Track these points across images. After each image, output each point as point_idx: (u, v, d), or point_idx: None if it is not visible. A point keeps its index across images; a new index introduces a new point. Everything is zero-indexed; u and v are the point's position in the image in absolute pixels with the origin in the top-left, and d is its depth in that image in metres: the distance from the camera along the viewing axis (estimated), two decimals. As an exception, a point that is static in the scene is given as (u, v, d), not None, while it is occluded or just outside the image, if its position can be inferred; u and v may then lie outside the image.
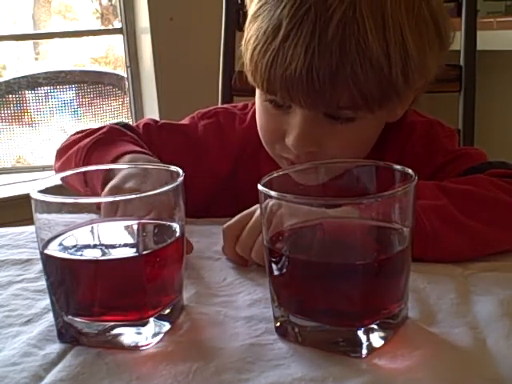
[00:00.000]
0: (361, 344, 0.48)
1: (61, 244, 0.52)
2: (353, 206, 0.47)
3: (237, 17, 1.20)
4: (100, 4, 2.81)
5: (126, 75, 2.63)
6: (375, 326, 0.48)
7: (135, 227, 0.54)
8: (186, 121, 0.95)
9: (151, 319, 0.51)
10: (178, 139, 0.91)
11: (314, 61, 0.69)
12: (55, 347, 0.51)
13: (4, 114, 2.57)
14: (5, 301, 0.60)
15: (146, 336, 0.50)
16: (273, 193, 0.48)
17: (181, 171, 0.54)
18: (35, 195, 0.50)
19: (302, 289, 0.50)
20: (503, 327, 0.51)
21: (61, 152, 0.91)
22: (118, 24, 2.61)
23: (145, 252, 0.52)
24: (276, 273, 0.50)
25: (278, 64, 0.71)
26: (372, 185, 0.54)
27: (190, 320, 0.55)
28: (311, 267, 0.49)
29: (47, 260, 0.51)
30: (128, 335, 0.50)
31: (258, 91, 0.82)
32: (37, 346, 0.51)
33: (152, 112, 2.53)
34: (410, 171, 0.51)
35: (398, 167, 0.52)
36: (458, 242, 0.65)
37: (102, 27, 2.81)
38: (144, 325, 0.50)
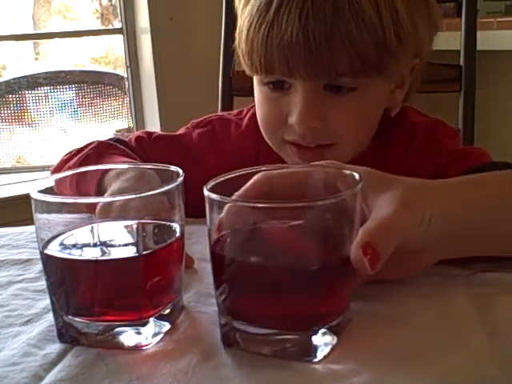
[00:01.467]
0: (316, 348, 0.47)
1: (61, 244, 0.52)
2: (300, 209, 0.46)
3: (237, 17, 1.21)
4: (100, 4, 2.81)
5: (126, 75, 2.63)
6: (326, 330, 0.48)
7: (135, 227, 0.54)
8: (181, 131, 0.95)
9: (151, 319, 0.51)
10: (173, 150, 0.91)
11: (308, 23, 0.70)
12: (55, 347, 0.51)
13: (4, 114, 2.57)
14: (5, 301, 0.60)
15: (146, 336, 0.50)
16: (215, 196, 0.47)
17: (181, 171, 0.54)
18: (35, 195, 0.50)
19: (250, 295, 0.49)
20: (504, 327, 0.51)
21: (52, 174, 0.89)
22: (118, 24, 2.61)
23: (145, 252, 0.52)
24: (221, 278, 0.49)
25: (274, 34, 0.72)
26: (320, 189, 0.53)
27: (190, 319, 0.55)
28: (258, 272, 0.48)
29: (47, 260, 0.51)
30: (128, 335, 0.50)
31: (255, 82, 0.83)
32: (37, 346, 0.51)
33: (152, 112, 2.53)
34: (356, 175, 0.50)
35: (347, 172, 0.51)
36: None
37: (102, 27, 2.81)
38: (144, 325, 0.50)
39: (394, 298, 0.57)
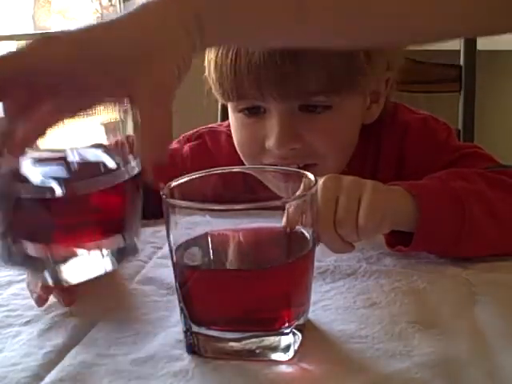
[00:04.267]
0: (288, 347, 0.48)
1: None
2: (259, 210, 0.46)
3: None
4: (100, 4, 2.81)
5: (125, 75, 2.62)
6: (294, 329, 0.48)
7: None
8: (172, 145, 0.95)
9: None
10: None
11: None
12: (55, 347, 0.51)
13: (4, 114, 2.57)
14: (5, 301, 0.60)
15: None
16: (173, 201, 0.47)
17: None
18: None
19: (214, 300, 0.48)
20: (504, 327, 0.51)
21: None
22: (117, 24, 2.61)
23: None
24: (184, 285, 0.49)
25: (241, 58, 0.73)
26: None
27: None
28: (222, 276, 0.48)
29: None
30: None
31: (230, 109, 0.83)
32: (37, 345, 0.51)
33: (152, 112, 2.52)
34: (311, 176, 0.50)
35: (305, 172, 0.51)
36: (492, 232, 0.65)
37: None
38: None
39: (392, 294, 0.57)
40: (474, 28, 0.58)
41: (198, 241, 0.50)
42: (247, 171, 0.57)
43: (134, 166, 0.49)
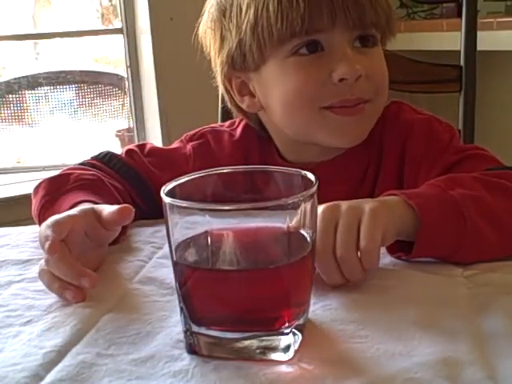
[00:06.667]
0: (288, 347, 0.48)
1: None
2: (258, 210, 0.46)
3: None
4: (100, 4, 2.81)
5: (126, 75, 2.62)
6: (294, 329, 0.48)
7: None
8: (174, 145, 0.95)
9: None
10: (165, 166, 0.89)
11: None
12: (55, 347, 0.51)
13: (4, 113, 2.57)
14: (5, 301, 0.60)
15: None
16: (173, 201, 0.47)
17: None
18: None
19: (214, 300, 0.48)
20: (504, 327, 0.51)
21: (33, 192, 0.84)
22: (118, 24, 2.61)
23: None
24: (184, 284, 0.49)
25: None
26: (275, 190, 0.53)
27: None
28: (222, 277, 0.48)
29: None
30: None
31: (276, 61, 0.80)
32: (37, 345, 0.51)
33: (152, 112, 2.52)
34: (311, 176, 0.50)
35: (302, 172, 0.51)
36: (492, 238, 0.64)
37: (102, 27, 2.81)
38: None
39: (392, 294, 0.57)
40: None
41: (198, 240, 0.50)
42: (247, 170, 0.57)
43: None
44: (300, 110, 0.81)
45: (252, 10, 0.79)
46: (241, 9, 0.81)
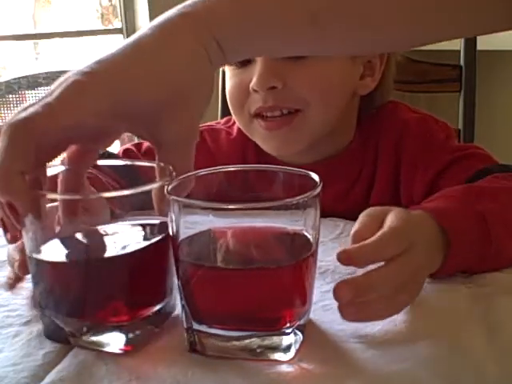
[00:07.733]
0: (289, 347, 0.48)
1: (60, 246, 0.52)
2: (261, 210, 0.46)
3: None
4: (100, 4, 2.81)
5: (125, 75, 2.62)
6: (295, 329, 0.48)
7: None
8: None
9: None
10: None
11: None
12: (55, 347, 0.51)
13: (4, 114, 2.57)
14: (5, 301, 0.60)
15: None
16: (176, 199, 0.47)
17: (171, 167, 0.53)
18: None
19: (217, 298, 0.48)
20: (504, 327, 0.51)
21: None
22: (117, 24, 2.61)
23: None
24: (186, 282, 0.49)
25: None
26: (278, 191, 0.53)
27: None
28: (224, 275, 0.48)
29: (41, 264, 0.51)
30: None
31: (228, 72, 0.86)
32: (37, 346, 0.51)
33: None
34: (315, 177, 0.50)
35: (306, 172, 0.51)
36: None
37: (102, 27, 2.81)
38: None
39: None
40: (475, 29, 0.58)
41: (201, 239, 0.50)
42: (251, 169, 0.56)
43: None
44: (236, 114, 0.87)
45: None
46: None
